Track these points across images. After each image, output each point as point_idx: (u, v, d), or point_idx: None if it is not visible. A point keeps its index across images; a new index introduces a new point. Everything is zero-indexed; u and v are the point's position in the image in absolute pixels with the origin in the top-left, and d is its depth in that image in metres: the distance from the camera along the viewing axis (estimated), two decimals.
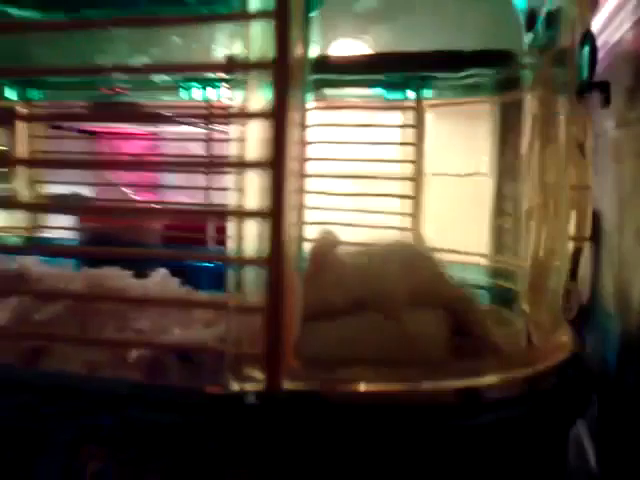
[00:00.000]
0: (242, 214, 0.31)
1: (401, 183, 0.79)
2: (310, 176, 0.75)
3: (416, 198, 0.78)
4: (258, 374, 0.30)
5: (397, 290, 0.43)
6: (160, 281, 0.63)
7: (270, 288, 0.29)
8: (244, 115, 0.31)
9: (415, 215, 0.78)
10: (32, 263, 0.69)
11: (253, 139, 0.30)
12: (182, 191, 1.18)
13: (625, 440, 0.50)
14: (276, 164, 0.29)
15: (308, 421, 0.30)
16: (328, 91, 0.81)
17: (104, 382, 0.36)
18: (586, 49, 0.50)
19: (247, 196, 0.31)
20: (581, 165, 0.47)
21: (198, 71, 0.75)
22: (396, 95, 0.80)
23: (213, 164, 0.70)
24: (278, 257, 0.29)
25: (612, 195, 0.57)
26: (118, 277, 0.59)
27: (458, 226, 0.77)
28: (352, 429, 0.30)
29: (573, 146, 0.47)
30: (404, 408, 0.31)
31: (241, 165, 0.31)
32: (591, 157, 0.47)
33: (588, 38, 0.49)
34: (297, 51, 0.30)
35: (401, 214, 0.78)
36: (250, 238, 0.30)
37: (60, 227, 0.93)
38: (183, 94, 0.93)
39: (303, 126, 0.32)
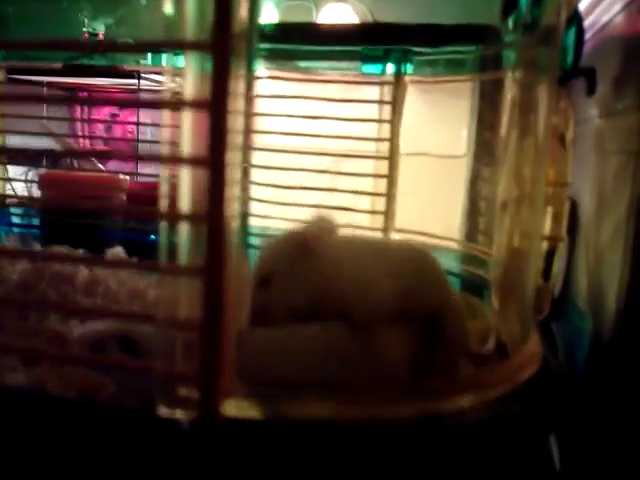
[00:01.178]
0: (177, 217, 0.28)
1: (374, 162, 0.75)
2: (276, 151, 0.72)
3: (390, 177, 0.75)
4: (193, 394, 0.27)
5: (382, 301, 0.39)
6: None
7: (206, 304, 0.26)
8: (178, 103, 0.27)
9: (389, 195, 0.75)
10: None
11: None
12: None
13: (589, 441, 0.48)
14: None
15: (248, 453, 0.27)
16: (303, 63, 0.77)
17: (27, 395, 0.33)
18: (572, 32, 0.46)
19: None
20: (561, 160, 0.44)
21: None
22: (375, 69, 0.76)
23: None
24: (216, 267, 0.26)
25: (592, 187, 0.54)
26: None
27: (431, 208, 0.75)
28: (299, 463, 0.28)
29: (553, 138, 0.44)
30: (360, 436, 0.28)
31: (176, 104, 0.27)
32: (572, 151, 0.44)
33: (574, 21, 0.45)
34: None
35: (374, 194, 0.75)
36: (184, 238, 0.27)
37: (21, 197, 0.89)
38: (154, 59, 0.89)
39: (249, 98, 0.28)
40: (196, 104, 0.26)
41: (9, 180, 0.92)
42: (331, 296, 0.38)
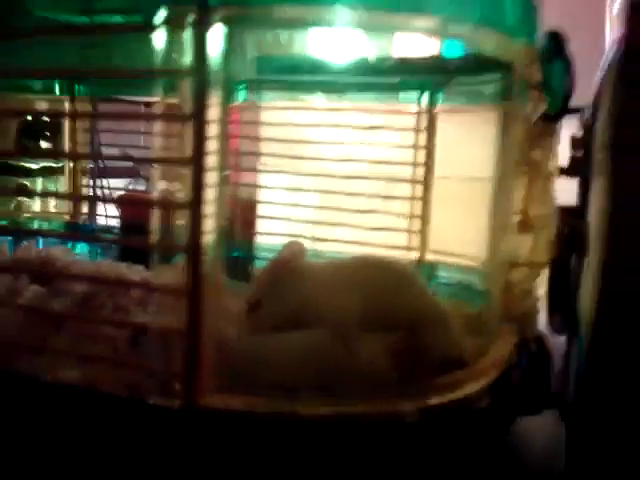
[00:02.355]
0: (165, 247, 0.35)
1: (410, 185, 0.80)
2: (312, 175, 0.79)
3: (424, 200, 0.80)
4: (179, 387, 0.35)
5: (351, 308, 0.45)
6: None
7: (188, 318, 0.33)
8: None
9: (423, 218, 0.80)
10: (61, 252, 0.76)
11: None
12: None
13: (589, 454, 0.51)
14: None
15: (225, 442, 0.34)
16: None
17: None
18: (558, 70, 0.50)
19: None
20: (544, 191, 0.48)
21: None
22: (410, 99, 0.81)
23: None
24: (195, 290, 0.33)
25: (595, 209, 0.57)
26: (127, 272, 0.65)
27: (464, 228, 0.78)
28: (271, 452, 0.34)
29: (536, 172, 0.48)
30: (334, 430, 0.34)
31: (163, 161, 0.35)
32: (552, 185, 0.48)
33: (558, 60, 0.49)
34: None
35: (409, 216, 0.80)
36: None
37: (99, 214, 1.01)
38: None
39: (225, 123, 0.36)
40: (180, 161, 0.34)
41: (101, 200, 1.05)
42: (310, 308, 0.45)
